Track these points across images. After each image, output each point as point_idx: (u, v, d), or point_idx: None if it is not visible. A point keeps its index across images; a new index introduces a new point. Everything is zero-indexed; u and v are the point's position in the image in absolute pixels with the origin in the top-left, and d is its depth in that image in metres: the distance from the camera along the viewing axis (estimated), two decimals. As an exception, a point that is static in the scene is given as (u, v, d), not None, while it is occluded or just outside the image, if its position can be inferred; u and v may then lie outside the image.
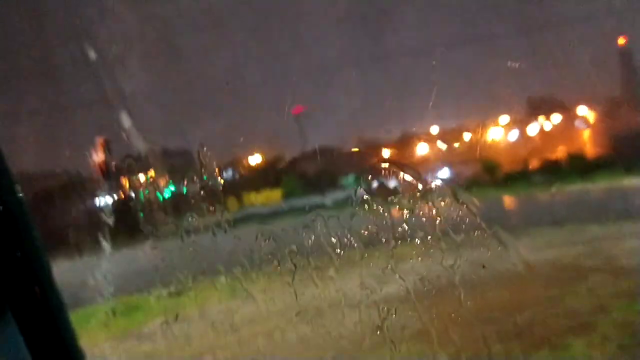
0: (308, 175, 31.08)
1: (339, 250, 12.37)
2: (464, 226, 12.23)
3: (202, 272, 11.65)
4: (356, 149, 36.99)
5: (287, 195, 28.52)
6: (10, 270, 1.56)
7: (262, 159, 36.12)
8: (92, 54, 13.29)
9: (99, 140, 10.53)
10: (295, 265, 11.74)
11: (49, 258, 1.67)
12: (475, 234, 11.48)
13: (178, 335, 8.30)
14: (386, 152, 36.01)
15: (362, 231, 12.59)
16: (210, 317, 8.91)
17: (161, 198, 15.47)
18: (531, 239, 11.46)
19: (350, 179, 25.23)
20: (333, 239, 12.66)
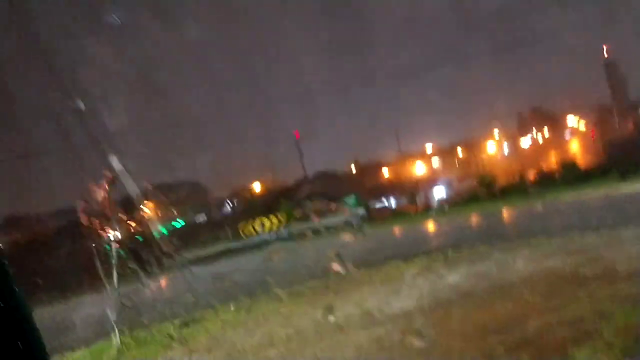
0: (305, 200, 31.07)
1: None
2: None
3: (205, 304, 11.73)
4: (353, 172, 36.75)
5: (285, 221, 28.58)
6: None
7: (264, 185, 36.09)
8: (78, 99, 13.47)
9: (106, 177, 10.62)
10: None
11: (30, 308, 1.69)
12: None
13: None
14: (385, 172, 35.67)
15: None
16: (222, 345, 8.97)
17: (159, 235, 15.58)
18: (531, 250, 11.56)
19: (350, 200, 25.18)
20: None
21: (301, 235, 23.69)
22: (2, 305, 1.51)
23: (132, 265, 11.26)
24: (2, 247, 1.65)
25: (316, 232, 23.18)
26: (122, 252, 10.83)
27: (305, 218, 27.09)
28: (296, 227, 25.85)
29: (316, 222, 25.15)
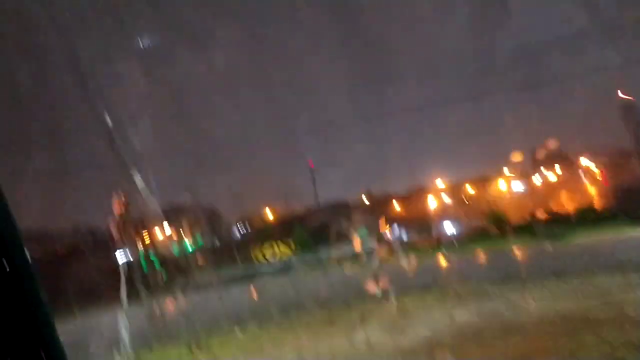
0: (318, 228, 30.99)
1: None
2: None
3: (216, 328, 11.77)
4: (365, 202, 36.71)
5: (297, 249, 28.53)
6: (15, 330, 1.62)
7: (273, 213, 36.21)
8: (106, 116, 13.83)
9: (118, 199, 10.83)
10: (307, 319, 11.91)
11: (55, 320, 1.75)
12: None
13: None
14: (395, 206, 35.64)
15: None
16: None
17: (176, 254, 15.70)
18: (540, 291, 11.50)
19: (360, 232, 25.16)
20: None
21: (320, 262, 23.54)
22: (28, 313, 1.60)
23: (165, 277, 11.48)
24: (32, 258, 1.73)
25: (339, 258, 22.84)
26: (156, 263, 11.03)
27: (314, 247, 27.06)
28: (311, 254, 25.88)
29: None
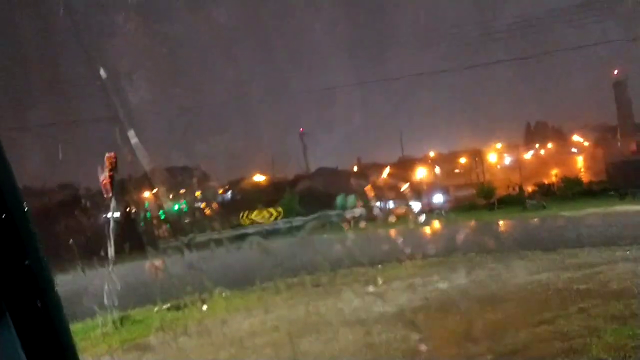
0: (307, 194, 31.03)
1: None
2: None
3: (201, 287, 11.80)
4: (354, 170, 36.81)
5: (286, 213, 28.56)
6: (11, 279, 1.60)
7: (264, 177, 36.14)
8: (101, 71, 13.56)
9: (108, 156, 10.66)
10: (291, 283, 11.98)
11: (51, 270, 1.74)
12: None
13: (180, 347, 8.42)
14: (384, 174, 35.80)
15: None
16: (211, 330, 9.05)
17: (163, 215, 15.67)
18: (525, 262, 11.61)
19: (349, 199, 25.11)
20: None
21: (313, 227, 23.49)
22: (25, 263, 1.58)
23: (141, 241, 11.41)
24: (30, 210, 1.70)
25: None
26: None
27: (303, 212, 27.09)
28: (300, 218, 25.95)
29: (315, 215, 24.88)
